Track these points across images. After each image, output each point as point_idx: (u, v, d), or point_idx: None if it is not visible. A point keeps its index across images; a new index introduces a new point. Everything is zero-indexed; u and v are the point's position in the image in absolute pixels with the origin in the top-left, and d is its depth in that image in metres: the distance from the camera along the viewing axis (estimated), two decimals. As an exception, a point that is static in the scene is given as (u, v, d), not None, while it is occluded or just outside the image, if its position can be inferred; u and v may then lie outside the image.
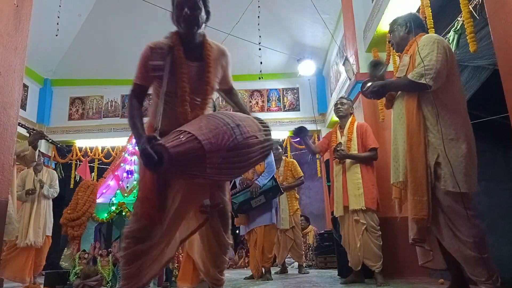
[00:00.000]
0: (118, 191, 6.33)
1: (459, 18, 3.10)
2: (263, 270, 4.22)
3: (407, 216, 2.32)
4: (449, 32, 3.21)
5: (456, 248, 2.04)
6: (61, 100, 7.90)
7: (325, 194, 7.54)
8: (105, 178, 7.22)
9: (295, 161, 5.27)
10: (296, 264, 5.48)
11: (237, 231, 9.42)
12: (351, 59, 4.85)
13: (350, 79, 4.95)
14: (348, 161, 3.52)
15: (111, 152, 7.76)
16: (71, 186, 7.61)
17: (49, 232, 4.85)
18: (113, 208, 6.19)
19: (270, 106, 7.94)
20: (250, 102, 7.95)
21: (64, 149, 4.60)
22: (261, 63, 5.82)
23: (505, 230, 3.00)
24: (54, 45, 6.93)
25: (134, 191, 5.26)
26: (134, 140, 3.98)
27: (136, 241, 1.70)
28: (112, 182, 7.12)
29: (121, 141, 7.32)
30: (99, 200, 6.64)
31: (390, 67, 3.91)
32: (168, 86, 1.72)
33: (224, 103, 6.91)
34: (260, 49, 5.76)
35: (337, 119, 3.86)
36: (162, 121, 1.69)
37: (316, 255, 6.00)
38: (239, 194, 4.13)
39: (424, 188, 2.10)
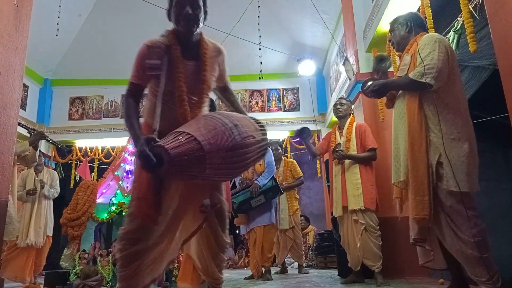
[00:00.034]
0: (118, 191, 6.33)
1: (459, 18, 3.10)
2: (263, 270, 4.22)
3: (407, 216, 2.32)
4: (449, 32, 3.21)
5: (457, 248, 2.03)
6: (61, 100, 7.90)
7: (325, 194, 7.54)
8: (105, 178, 7.23)
9: (294, 161, 5.27)
10: (296, 264, 5.48)
11: (237, 231, 9.44)
12: (351, 59, 4.85)
13: (350, 79, 4.95)
14: (347, 161, 3.52)
15: (111, 152, 7.77)
16: (71, 186, 7.62)
17: (50, 232, 4.85)
18: (113, 208, 6.20)
19: (270, 106, 7.94)
20: (250, 102, 7.95)
21: (64, 150, 4.60)
22: (261, 63, 5.82)
23: (505, 230, 3.01)
24: (54, 45, 6.94)
25: (134, 191, 5.25)
26: (134, 140, 3.95)
27: (132, 242, 1.67)
28: (112, 182, 7.12)
29: (121, 141, 7.32)
30: (99, 200, 6.65)
31: (391, 67, 3.91)
32: (165, 85, 1.70)
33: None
34: (260, 49, 5.77)
35: (337, 119, 3.87)
36: (160, 122, 1.68)
37: (316, 255, 6.00)
38: (239, 194, 4.13)
39: (425, 188, 2.09)
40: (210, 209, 1.80)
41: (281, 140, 7.48)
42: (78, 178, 7.73)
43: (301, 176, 5.09)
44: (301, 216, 5.85)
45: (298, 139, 7.86)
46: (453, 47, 3.01)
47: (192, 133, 1.54)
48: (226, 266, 7.77)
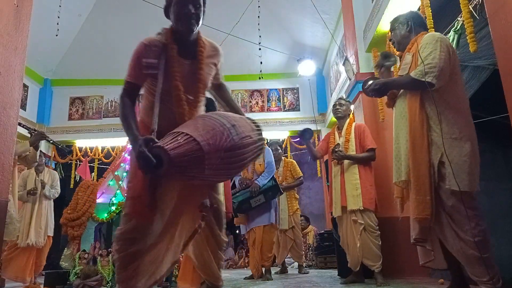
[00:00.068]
0: (118, 191, 6.33)
1: (459, 18, 3.10)
2: (263, 270, 4.22)
3: (407, 216, 2.32)
4: (449, 32, 3.21)
5: (458, 248, 2.03)
6: (61, 100, 7.91)
7: (325, 194, 7.54)
8: (105, 178, 7.23)
9: (294, 161, 5.27)
10: (296, 264, 5.48)
11: (237, 231, 9.43)
12: (351, 59, 4.85)
13: (350, 79, 4.95)
14: (346, 161, 3.52)
15: (111, 152, 7.77)
16: (71, 186, 7.62)
17: (51, 233, 4.85)
18: (113, 208, 6.20)
19: (270, 106, 7.94)
20: (250, 102, 7.95)
21: (65, 150, 4.59)
22: (261, 63, 5.83)
23: (505, 230, 3.01)
24: (54, 45, 6.94)
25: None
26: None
27: (130, 242, 1.65)
28: (112, 182, 7.12)
29: (121, 141, 7.33)
30: (99, 200, 6.65)
31: (395, 64, 3.91)
32: (163, 84, 1.68)
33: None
34: (260, 49, 5.77)
35: (336, 119, 3.87)
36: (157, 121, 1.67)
37: (316, 255, 6.00)
38: (239, 194, 4.13)
39: (427, 188, 2.08)
40: (208, 209, 1.80)
41: (281, 140, 7.48)
42: (78, 178, 7.74)
43: (300, 176, 5.10)
44: (301, 216, 5.86)
45: (298, 139, 7.89)
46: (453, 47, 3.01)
47: (191, 134, 1.53)
48: (226, 266, 7.77)
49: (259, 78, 6.23)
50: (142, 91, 1.82)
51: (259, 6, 5.75)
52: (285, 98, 7.98)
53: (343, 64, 5.08)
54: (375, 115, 4.28)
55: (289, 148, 7.92)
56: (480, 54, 2.88)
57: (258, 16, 5.68)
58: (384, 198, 3.80)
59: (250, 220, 4.24)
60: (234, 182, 4.38)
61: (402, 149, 2.28)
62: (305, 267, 5.55)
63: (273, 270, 4.85)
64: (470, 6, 2.87)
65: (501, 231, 2.98)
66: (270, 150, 4.48)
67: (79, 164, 7.70)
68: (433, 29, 3.15)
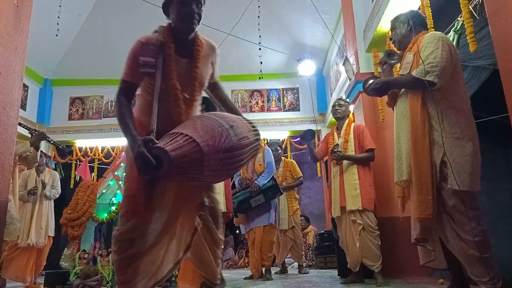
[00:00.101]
0: (118, 191, 6.34)
1: (459, 18, 3.10)
2: (263, 269, 4.22)
3: (407, 216, 2.31)
4: (449, 32, 3.21)
5: (459, 248, 2.02)
6: (61, 100, 7.91)
7: (325, 194, 7.54)
8: (105, 178, 7.23)
9: (294, 161, 5.28)
10: (296, 264, 5.48)
11: (237, 231, 9.43)
12: (351, 59, 4.85)
13: (350, 79, 4.95)
14: (345, 162, 3.53)
15: (111, 152, 7.77)
16: (71, 186, 7.62)
17: (52, 233, 4.86)
18: (113, 208, 6.21)
19: (270, 106, 7.94)
20: (250, 102, 7.95)
21: (65, 151, 4.60)
22: (261, 63, 5.83)
23: (505, 230, 3.01)
24: (54, 45, 6.94)
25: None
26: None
27: (128, 243, 1.63)
28: (112, 182, 7.13)
29: (121, 141, 7.32)
30: (99, 200, 6.65)
31: (398, 63, 3.91)
32: (160, 83, 1.66)
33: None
34: (260, 49, 5.77)
35: (335, 120, 3.87)
36: (151, 120, 1.65)
37: (316, 255, 6.00)
38: (239, 194, 4.13)
39: (429, 187, 2.07)
40: (206, 208, 1.79)
41: (281, 140, 7.48)
42: (78, 178, 7.74)
43: (300, 176, 5.10)
44: (301, 216, 5.86)
45: (298, 139, 7.89)
46: (453, 47, 3.01)
47: (190, 135, 1.52)
48: (226, 266, 7.77)
49: (259, 78, 6.22)
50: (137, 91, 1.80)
51: (259, 6, 5.75)
52: (285, 98, 7.98)
53: (343, 64, 5.08)
54: (375, 115, 4.28)
55: (289, 148, 7.92)
56: (480, 54, 2.88)
57: (258, 16, 5.68)
58: (384, 198, 3.80)
59: (250, 220, 4.24)
60: (233, 182, 4.38)
61: (403, 149, 2.27)
62: (305, 267, 5.55)
63: (273, 270, 4.85)
64: (470, 6, 2.87)
65: (501, 231, 2.98)
66: (270, 151, 4.48)
67: (79, 164, 7.70)
68: (433, 29, 3.15)
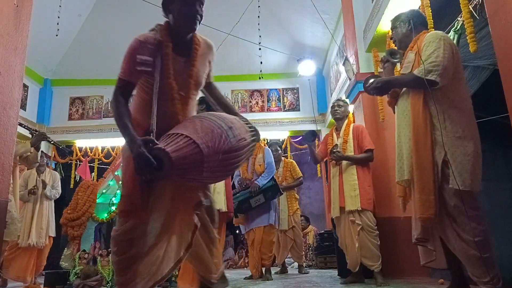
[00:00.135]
0: (118, 191, 6.34)
1: (459, 18, 3.10)
2: (263, 269, 4.23)
3: (407, 216, 2.31)
4: (449, 32, 3.21)
5: (460, 248, 2.02)
6: (61, 100, 7.90)
7: (325, 194, 7.54)
8: (105, 178, 7.23)
9: (294, 161, 5.28)
10: (296, 264, 5.48)
11: (237, 231, 9.43)
12: (351, 59, 4.85)
13: (350, 79, 4.95)
14: (344, 162, 3.53)
15: (111, 152, 7.77)
16: (71, 186, 7.62)
17: (52, 233, 4.87)
18: (113, 208, 6.21)
19: (270, 106, 7.94)
20: (250, 102, 7.95)
21: (66, 151, 4.60)
22: (261, 63, 5.82)
23: (505, 230, 3.01)
24: (54, 45, 6.93)
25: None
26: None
27: (128, 244, 1.61)
28: (112, 182, 7.13)
29: (121, 141, 7.29)
30: (99, 200, 6.65)
31: (400, 61, 3.91)
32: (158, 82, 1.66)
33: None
34: (260, 49, 5.76)
35: (334, 120, 3.87)
36: (147, 119, 1.65)
37: (316, 255, 6.00)
38: (239, 194, 4.13)
39: (431, 187, 2.06)
40: (203, 207, 1.79)
41: (281, 140, 7.48)
42: (78, 178, 7.74)
43: (300, 177, 5.10)
44: (301, 216, 5.86)
45: (299, 139, 7.89)
46: (454, 47, 3.01)
47: (190, 136, 1.52)
48: (226, 266, 7.77)
49: (259, 78, 6.22)
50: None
51: (259, 6, 5.75)
52: (285, 98, 7.97)
53: (343, 64, 5.08)
54: (375, 115, 4.28)
55: (289, 148, 7.91)
56: (480, 54, 2.88)
57: (258, 16, 5.67)
58: (384, 198, 3.81)
59: (249, 221, 4.24)
60: (233, 182, 4.38)
61: (404, 148, 2.26)
62: (305, 267, 5.55)
63: (273, 270, 4.85)
64: (470, 6, 2.87)
65: (501, 231, 2.98)
66: (270, 151, 4.48)
67: (79, 164, 7.70)
68: (433, 29, 3.15)
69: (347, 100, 4.22)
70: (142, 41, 1.67)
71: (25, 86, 7.14)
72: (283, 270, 5.21)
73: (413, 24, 2.39)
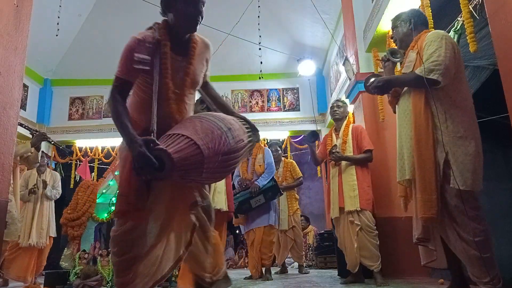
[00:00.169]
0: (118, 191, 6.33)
1: (459, 18, 3.10)
2: (263, 269, 4.23)
3: (407, 216, 2.31)
4: (449, 32, 3.21)
5: (461, 248, 2.02)
6: (61, 100, 7.90)
7: (325, 194, 7.54)
8: (105, 178, 7.24)
9: (294, 162, 5.28)
10: (296, 264, 5.48)
11: (237, 231, 9.43)
12: (351, 59, 4.85)
13: (350, 79, 4.95)
14: (343, 163, 3.53)
15: (111, 152, 7.77)
16: (71, 186, 7.62)
17: (53, 233, 4.87)
18: (113, 208, 6.19)
19: (270, 106, 7.94)
20: (250, 102, 7.95)
21: (66, 151, 4.60)
22: (261, 63, 5.82)
23: (505, 230, 3.01)
24: (54, 45, 6.93)
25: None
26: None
27: (128, 244, 1.60)
28: (112, 182, 7.13)
29: (121, 141, 7.31)
30: (99, 200, 6.65)
31: (401, 61, 3.91)
32: (155, 82, 1.64)
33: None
34: (260, 49, 5.76)
35: (333, 121, 3.87)
36: (144, 118, 1.64)
37: (316, 255, 6.00)
38: (239, 195, 4.13)
39: (433, 186, 2.06)
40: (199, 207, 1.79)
41: (281, 140, 7.48)
42: (78, 178, 7.74)
43: (300, 177, 5.10)
44: (301, 216, 5.86)
45: (299, 139, 7.89)
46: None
47: (191, 137, 1.52)
48: (226, 266, 7.76)
49: (259, 78, 6.22)
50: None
51: (259, 6, 5.75)
52: (285, 98, 7.97)
53: (343, 64, 5.08)
54: (375, 115, 4.28)
55: (289, 148, 7.92)
56: (480, 54, 2.88)
57: (258, 16, 5.68)
58: (384, 198, 3.81)
59: (249, 221, 4.24)
60: (233, 183, 4.38)
61: (404, 147, 2.25)
62: (305, 267, 5.55)
63: (273, 270, 4.85)
64: (470, 6, 2.87)
65: (501, 231, 2.98)
66: (270, 151, 4.48)
67: (79, 164, 7.70)
68: (433, 29, 3.15)
69: (346, 101, 4.22)
70: (140, 40, 1.64)
71: (25, 86, 7.14)
72: (283, 270, 5.21)
73: (414, 23, 2.38)
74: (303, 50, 7.36)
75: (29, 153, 3.55)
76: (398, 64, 2.54)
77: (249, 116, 1.99)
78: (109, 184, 7.30)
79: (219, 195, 3.44)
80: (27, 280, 4.49)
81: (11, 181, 2.98)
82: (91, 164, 7.80)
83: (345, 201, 3.43)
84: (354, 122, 4.61)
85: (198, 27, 1.76)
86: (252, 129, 1.85)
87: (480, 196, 2.12)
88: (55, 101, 7.88)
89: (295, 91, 8.00)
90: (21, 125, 3.25)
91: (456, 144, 2.07)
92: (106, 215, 6.93)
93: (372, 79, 2.40)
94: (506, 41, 1.90)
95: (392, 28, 2.56)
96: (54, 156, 7.71)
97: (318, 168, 7.93)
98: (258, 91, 7.99)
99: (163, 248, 1.72)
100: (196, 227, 1.78)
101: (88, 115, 7.91)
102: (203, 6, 1.75)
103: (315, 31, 6.96)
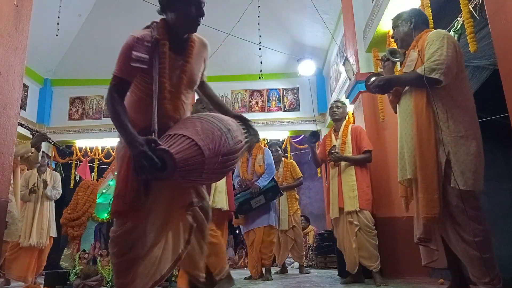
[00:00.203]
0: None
1: (459, 18, 3.10)
2: (263, 269, 4.23)
3: (411, 216, 2.30)
4: (449, 32, 3.21)
5: (461, 248, 2.02)
6: (61, 100, 7.90)
7: (325, 194, 7.54)
8: (105, 178, 7.23)
9: (294, 162, 5.28)
10: (296, 264, 5.48)
11: (237, 231, 9.43)
12: (351, 59, 4.85)
13: (350, 79, 4.95)
14: (343, 163, 3.53)
15: (111, 152, 7.77)
16: (71, 186, 7.62)
17: (53, 233, 4.87)
18: (113, 208, 6.19)
19: (270, 106, 7.94)
20: (250, 102, 7.95)
21: (66, 151, 4.60)
22: (261, 63, 5.83)
23: (505, 230, 3.00)
24: (54, 45, 6.93)
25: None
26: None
27: (128, 245, 1.59)
28: (112, 182, 7.12)
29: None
30: (99, 200, 6.65)
31: (401, 60, 3.91)
32: (153, 81, 1.63)
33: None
34: (260, 49, 5.77)
35: (333, 121, 3.87)
36: (141, 117, 1.64)
37: (316, 255, 6.00)
38: (239, 196, 4.13)
39: (435, 186, 2.05)
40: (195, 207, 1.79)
41: (281, 140, 7.48)
42: (78, 178, 7.74)
43: (300, 177, 5.10)
44: (301, 216, 5.86)
45: (299, 139, 7.89)
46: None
47: (192, 137, 1.52)
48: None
49: (259, 78, 6.22)
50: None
51: (259, 6, 5.75)
52: (285, 98, 7.97)
53: (343, 64, 5.08)
54: (375, 115, 4.28)
55: (289, 148, 7.92)
56: (480, 54, 2.88)
57: (258, 16, 5.68)
58: (383, 198, 3.80)
59: (249, 221, 4.24)
60: (233, 184, 4.38)
61: (405, 147, 2.25)
62: (306, 267, 5.55)
63: (273, 270, 4.85)
64: (470, 6, 2.87)
65: (501, 231, 2.98)
66: (270, 152, 4.48)
67: (79, 164, 7.70)
68: (433, 29, 3.15)
69: (346, 101, 4.22)
70: (139, 38, 1.63)
71: (25, 86, 7.14)
72: (283, 270, 5.21)
73: (415, 22, 2.38)
74: (303, 50, 7.36)
75: (30, 154, 3.55)
76: (398, 63, 2.54)
77: (249, 116, 1.98)
78: (109, 184, 7.30)
79: (220, 194, 3.45)
80: (27, 280, 4.50)
81: (12, 181, 2.98)
82: (91, 164, 7.80)
83: (344, 202, 3.43)
84: (354, 122, 4.62)
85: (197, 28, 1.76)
86: (252, 129, 1.85)
87: (480, 196, 2.12)
88: (55, 101, 7.88)
89: (295, 91, 8.00)
90: (21, 125, 3.25)
91: (457, 143, 2.07)
92: (106, 215, 6.93)
93: (373, 78, 2.40)
94: (506, 41, 1.90)
95: (393, 28, 2.55)
96: (54, 156, 7.71)
97: (318, 168, 7.93)
98: (258, 91, 7.99)
99: (162, 249, 1.72)
100: (193, 227, 1.78)
101: (88, 115, 7.91)
102: (204, 6, 1.75)
103: (315, 31, 6.96)
